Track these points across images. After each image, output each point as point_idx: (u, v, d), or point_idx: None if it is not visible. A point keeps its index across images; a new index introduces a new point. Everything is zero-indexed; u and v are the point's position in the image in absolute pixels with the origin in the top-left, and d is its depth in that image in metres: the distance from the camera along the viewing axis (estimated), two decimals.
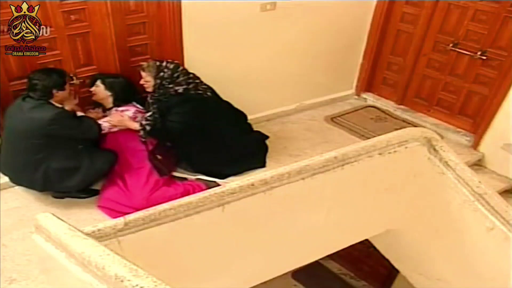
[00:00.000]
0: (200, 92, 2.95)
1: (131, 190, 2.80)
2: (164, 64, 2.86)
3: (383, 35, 3.91)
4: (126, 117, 2.92)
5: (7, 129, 2.65)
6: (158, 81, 2.85)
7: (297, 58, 3.71)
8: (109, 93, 2.93)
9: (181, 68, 2.93)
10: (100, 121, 2.86)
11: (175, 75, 2.87)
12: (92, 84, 2.93)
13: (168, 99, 2.88)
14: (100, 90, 2.92)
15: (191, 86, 2.91)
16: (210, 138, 3.02)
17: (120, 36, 2.93)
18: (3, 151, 2.70)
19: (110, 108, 2.98)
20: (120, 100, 2.96)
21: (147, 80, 2.87)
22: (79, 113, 2.83)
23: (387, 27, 3.88)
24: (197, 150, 3.03)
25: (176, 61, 2.96)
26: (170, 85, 2.86)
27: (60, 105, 2.66)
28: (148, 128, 2.86)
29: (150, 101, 2.92)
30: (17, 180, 2.76)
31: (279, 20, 3.38)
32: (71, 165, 2.66)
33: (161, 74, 2.84)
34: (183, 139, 2.97)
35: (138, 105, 3.03)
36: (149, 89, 2.90)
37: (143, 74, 2.87)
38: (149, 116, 2.88)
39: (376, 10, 3.83)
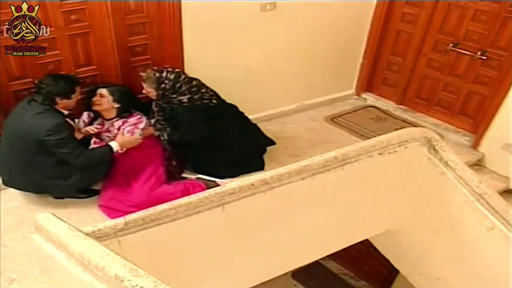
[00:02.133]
0: (205, 102, 2.93)
1: (131, 187, 2.80)
2: (164, 74, 2.81)
3: (383, 35, 3.92)
4: (136, 135, 2.88)
5: (8, 130, 2.64)
6: (160, 92, 2.83)
7: (297, 58, 3.71)
8: (117, 105, 2.87)
9: (183, 77, 2.88)
10: (113, 145, 2.77)
11: (177, 85, 2.83)
12: (93, 93, 2.84)
13: (172, 108, 2.88)
14: (107, 101, 2.83)
15: (196, 96, 2.89)
16: (214, 144, 3.02)
17: (120, 36, 2.93)
18: (2, 151, 2.69)
19: (112, 119, 2.92)
20: (125, 110, 2.92)
21: (149, 91, 2.85)
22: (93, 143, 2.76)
23: (387, 27, 3.88)
24: (200, 154, 3.04)
25: (177, 70, 2.91)
26: (173, 95, 2.84)
27: (66, 112, 2.65)
28: (166, 136, 2.89)
29: (155, 108, 2.92)
30: (11, 182, 2.73)
31: (279, 20, 3.38)
32: (66, 171, 2.64)
33: (162, 85, 2.81)
34: (192, 145, 2.98)
35: (140, 113, 3.01)
36: (153, 98, 2.89)
37: (144, 85, 2.85)
38: (155, 123, 2.91)
39: (376, 10, 3.83)
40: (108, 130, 2.93)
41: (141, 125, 2.92)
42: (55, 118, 2.54)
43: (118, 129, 2.90)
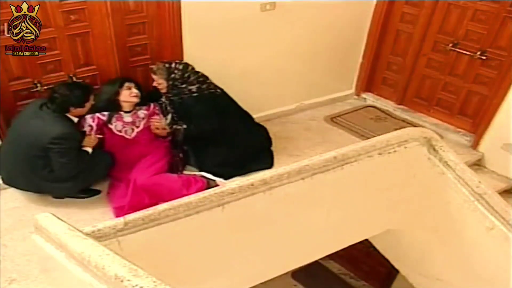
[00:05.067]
0: (212, 90, 2.99)
1: (134, 174, 2.79)
2: (173, 65, 2.90)
3: (383, 35, 3.91)
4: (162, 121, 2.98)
5: (14, 131, 2.64)
6: (170, 82, 2.89)
7: (297, 58, 3.71)
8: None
9: (190, 67, 2.97)
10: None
11: (186, 75, 2.91)
12: (120, 87, 2.84)
13: (182, 100, 2.91)
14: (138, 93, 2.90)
15: (204, 86, 2.96)
16: (222, 137, 3.04)
17: (120, 36, 2.93)
18: (4, 151, 2.69)
19: (132, 110, 2.93)
20: (141, 100, 2.97)
21: (160, 83, 2.89)
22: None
23: (386, 27, 3.88)
24: (208, 149, 3.05)
25: (184, 61, 2.99)
26: (183, 85, 2.90)
27: (75, 119, 2.67)
28: (183, 131, 2.93)
29: (166, 101, 2.96)
30: (11, 181, 2.73)
31: (279, 20, 3.38)
32: (68, 174, 2.64)
33: (172, 75, 2.88)
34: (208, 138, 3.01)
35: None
36: (163, 91, 2.93)
37: (154, 77, 2.89)
38: (172, 117, 2.96)
39: (375, 10, 3.83)
40: (132, 123, 2.93)
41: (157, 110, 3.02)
42: (65, 126, 2.55)
43: (144, 117, 2.94)
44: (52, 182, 2.65)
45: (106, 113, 2.88)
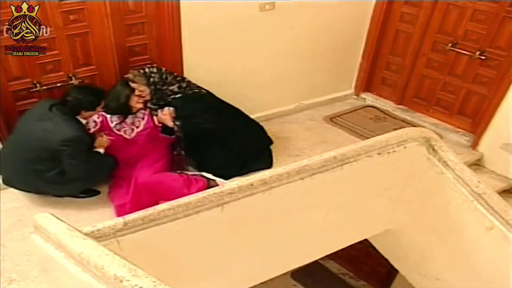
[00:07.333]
0: (196, 91, 2.97)
1: (135, 173, 2.80)
2: (147, 70, 2.87)
3: (382, 35, 3.92)
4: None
5: (18, 132, 2.64)
6: (152, 87, 2.85)
7: (296, 58, 3.71)
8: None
9: (163, 69, 2.95)
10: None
11: (163, 76, 2.89)
12: (132, 92, 2.83)
13: (169, 104, 2.89)
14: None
15: (183, 84, 2.94)
16: (219, 137, 3.03)
17: (119, 36, 2.93)
18: (5, 150, 2.69)
19: (137, 111, 2.92)
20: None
21: (142, 90, 2.84)
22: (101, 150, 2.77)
23: (386, 27, 3.88)
24: (206, 150, 3.04)
25: (154, 64, 2.97)
26: (164, 87, 2.88)
27: (84, 121, 2.68)
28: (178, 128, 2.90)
29: (153, 106, 2.93)
30: (11, 181, 2.73)
31: (278, 20, 3.39)
32: (79, 174, 2.65)
33: (151, 79, 2.84)
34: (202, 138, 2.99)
35: None
36: (148, 98, 2.89)
37: (134, 85, 2.82)
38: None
39: (375, 10, 3.83)
40: (132, 123, 2.92)
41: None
42: (75, 129, 2.56)
43: (143, 117, 2.93)
44: (54, 184, 2.65)
45: (116, 117, 2.88)
